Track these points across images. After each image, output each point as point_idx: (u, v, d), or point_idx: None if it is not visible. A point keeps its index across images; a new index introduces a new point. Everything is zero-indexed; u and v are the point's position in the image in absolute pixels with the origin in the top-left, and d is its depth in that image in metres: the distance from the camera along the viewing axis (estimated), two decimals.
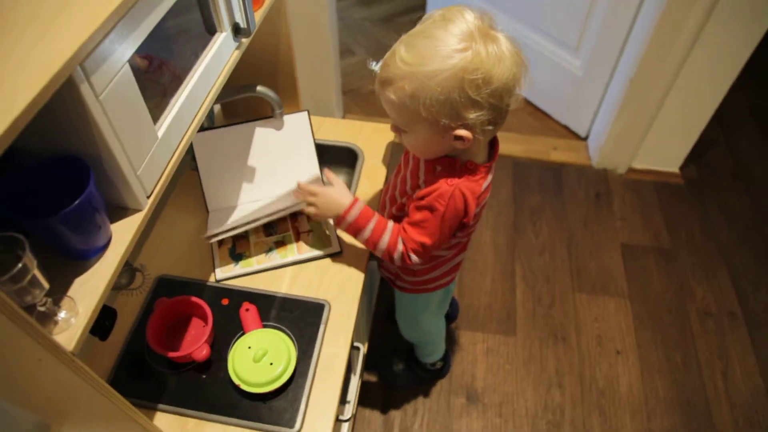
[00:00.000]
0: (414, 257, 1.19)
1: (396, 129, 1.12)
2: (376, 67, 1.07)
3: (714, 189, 2.70)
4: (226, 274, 1.31)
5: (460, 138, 1.02)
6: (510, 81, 0.99)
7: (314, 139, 1.46)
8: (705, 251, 2.43)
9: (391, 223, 1.22)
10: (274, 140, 1.44)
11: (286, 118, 1.44)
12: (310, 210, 1.26)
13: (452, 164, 1.11)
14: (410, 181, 1.21)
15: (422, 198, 1.13)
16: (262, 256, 1.34)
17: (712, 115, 2.42)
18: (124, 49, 0.72)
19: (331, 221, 1.38)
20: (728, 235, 2.49)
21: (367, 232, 1.21)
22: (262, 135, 1.43)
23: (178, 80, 0.90)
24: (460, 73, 0.94)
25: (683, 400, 1.96)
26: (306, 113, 1.45)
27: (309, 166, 1.45)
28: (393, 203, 1.29)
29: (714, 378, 2.02)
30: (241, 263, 1.33)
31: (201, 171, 1.38)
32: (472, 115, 0.99)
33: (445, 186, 1.10)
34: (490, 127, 1.03)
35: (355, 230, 1.23)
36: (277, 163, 1.44)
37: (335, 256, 1.35)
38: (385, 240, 1.20)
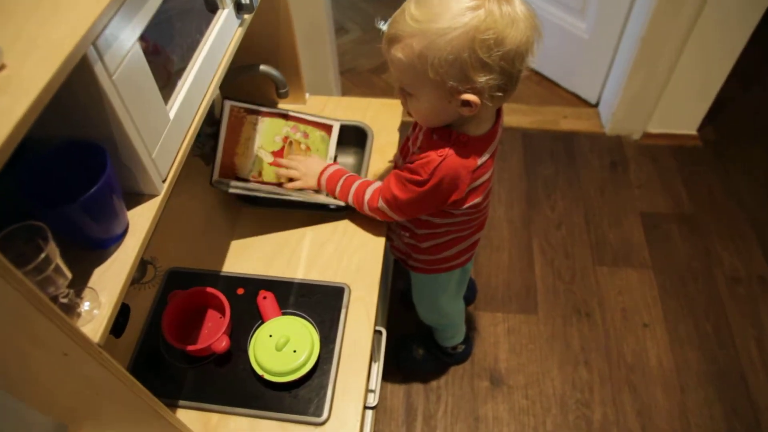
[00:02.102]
0: (381, 203, 1.24)
1: (402, 92, 1.12)
2: (383, 25, 1.07)
3: (734, 149, 2.71)
4: (237, 184, 1.34)
5: (467, 103, 1.03)
6: (523, 45, 0.99)
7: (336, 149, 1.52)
8: (729, 214, 2.44)
9: (362, 180, 1.34)
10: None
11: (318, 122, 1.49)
12: (295, 182, 1.39)
13: (447, 134, 1.12)
14: (411, 147, 1.24)
15: (412, 162, 1.15)
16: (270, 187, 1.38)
17: (730, 71, 2.42)
18: (134, 26, 0.73)
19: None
20: (752, 195, 2.51)
21: (339, 185, 1.34)
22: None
23: (184, 60, 0.91)
24: (471, 32, 0.94)
25: (716, 371, 1.99)
26: (338, 124, 1.52)
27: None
28: None
29: (748, 346, 2.04)
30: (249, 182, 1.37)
31: (222, 140, 1.38)
32: (482, 79, 0.99)
33: (434, 155, 1.11)
34: (500, 94, 1.03)
35: (331, 186, 1.35)
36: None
37: (342, 210, 1.40)
38: (352, 189, 1.31)
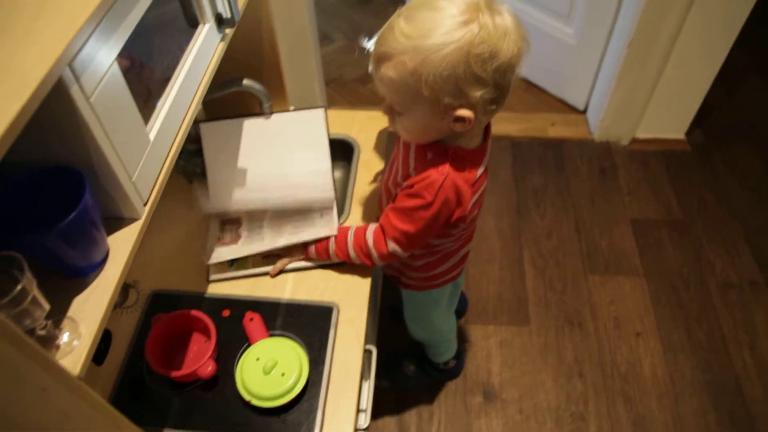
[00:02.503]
0: (392, 245, 1.19)
1: (389, 111, 1.10)
2: (369, 44, 1.05)
3: (723, 152, 2.73)
4: (219, 275, 1.31)
5: (461, 119, 1.01)
6: (514, 57, 0.99)
7: (329, 137, 1.44)
8: (720, 219, 2.45)
9: (351, 228, 1.27)
10: (285, 135, 1.43)
11: (301, 113, 1.43)
12: (282, 260, 1.33)
13: (443, 151, 1.10)
14: (401, 170, 1.20)
15: (411, 186, 1.13)
16: (259, 261, 1.34)
17: (716, 75, 2.44)
18: (111, 46, 0.71)
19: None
20: (743, 199, 2.52)
21: (332, 243, 1.28)
22: (272, 129, 1.42)
23: (164, 78, 0.89)
24: (466, 47, 0.93)
25: (711, 379, 1.98)
26: (322, 110, 1.43)
27: (320, 161, 1.44)
28: (389, 195, 1.29)
29: (741, 353, 2.04)
30: (236, 265, 1.33)
31: (207, 164, 1.36)
32: (477, 93, 0.98)
33: (435, 175, 1.09)
34: (493, 107, 1.03)
35: (323, 247, 1.30)
36: (287, 159, 1.42)
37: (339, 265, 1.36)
38: (350, 242, 1.25)
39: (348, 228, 1.29)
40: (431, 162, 1.11)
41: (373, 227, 1.24)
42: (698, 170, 2.65)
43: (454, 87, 0.97)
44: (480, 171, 1.15)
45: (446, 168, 1.09)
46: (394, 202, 1.19)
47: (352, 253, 1.26)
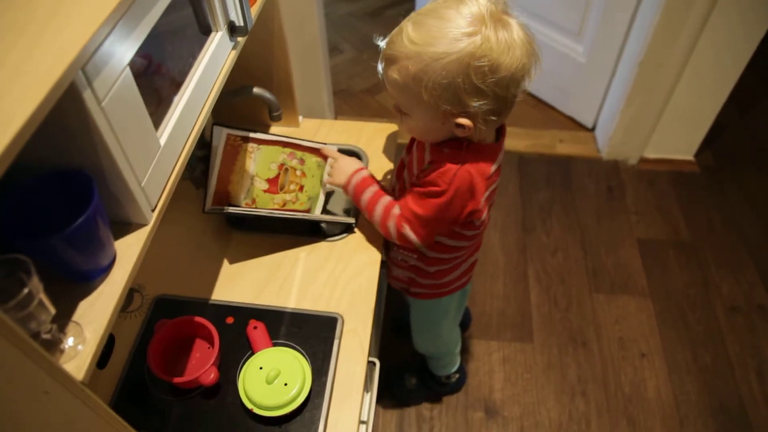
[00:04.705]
0: (407, 228, 1.20)
1: (398, 110, 1.14)
2: (381, 42, 1.09)
3: (733, 175, 2.72)
4: (231, 209, 1.31)
5: (460, 126, 1.04)
6: (518, 71, 1.00)
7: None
8: (728, 242, 2.44)
9: (387, 197, 1.27)
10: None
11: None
12: (327, 179, 1.39)
13: (458, 146, 1.13)
14: (417, 167, 1.22)
15: (427, 175, 1.15)
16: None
17: (727, 97, 2.43)
18: (124, 51, 0.71)
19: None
20: (752, 222, 2.51)
21: (366, 196, 1.28)
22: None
23: (175, 84, 0.90)
24: (466, 59, 0.96)
25: (716, 403, 1.97)
26: (335, 149, 1.48)
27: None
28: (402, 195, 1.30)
29: (748, 378, 2.03)
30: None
31: (216, 170, 1.36)
32: (475, 104, 1.00)
33: (450, 165, 1.11)
34: (494, 118, 1.05)
35: (358, 194, 1.30)
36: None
37: (347, 233, 1.40)
38: (381, 204, 1.25)
39: (384, 195, 1.28)
40: (448, 155, 1.13)
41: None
42: (707, 192, 2.64)
43: (453, 95, 1.00)
44: (494, 167, 1.17)
45: (462, 158, 1.11)
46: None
47: (378, 213, 1.26)
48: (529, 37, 1.01)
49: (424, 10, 1.02)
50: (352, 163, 1.35)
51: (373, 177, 1.33)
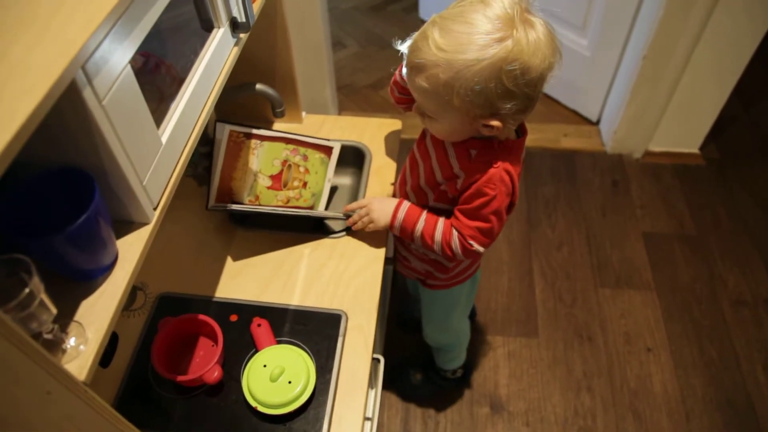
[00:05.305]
0: (475, 244, 1.19)
1: (421, 113, 1.12)
2: (402, 46, 1.08)
3: (738, 168, 2.71)
4: (233, 206, 1.31)
5: (488, 126, 1.04)
6: (546, 70, 1.00)
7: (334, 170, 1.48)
8: (733, 235, 2.43)
9: (440, 219, 1.24)
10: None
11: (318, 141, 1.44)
12: (369, 225, 1.31)
13: (489, 146, 1.12)
14: (440, 171, 1.21)
15: (469, 186, 1.15)
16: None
17: (732, 89, 2.42)
18: (124, 49, 0.70)
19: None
20: (757, 216, 2.50)
21: (419, 227, 1.24)
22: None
23: (177, 82, 0.89)
24: (498, 63, 0.95)
25: (723, 397, 1.96)
26: (338, 145, 1.46)
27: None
28: (421, 195, 1.29)
29: (754, 372, 2.02)
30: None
31: (219, 166, 1.35)
32: (507, 106, 1.00)
33: (491, 170, 1.11)
34: (521, 115, 1.06)
35: (410, 227, 1.25)
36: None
37: (344, 232, 1.39)
38: (439, 230, 1.22)
39: (437, 218, 1.24)
40: (478, 158, 1.13)
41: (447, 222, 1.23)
42: (712, 186, 2.63)
43: (485, 100, 0.99)
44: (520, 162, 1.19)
45: (498, 161, 1.11)
46: (441, 201, 1.24)
47: (437, 238, 1.23)
48: (552, 33, 1.01)
49: (448, 14, 1.00)
50: (388, 201, 1.31)
51: (412, 204, 1.28)
